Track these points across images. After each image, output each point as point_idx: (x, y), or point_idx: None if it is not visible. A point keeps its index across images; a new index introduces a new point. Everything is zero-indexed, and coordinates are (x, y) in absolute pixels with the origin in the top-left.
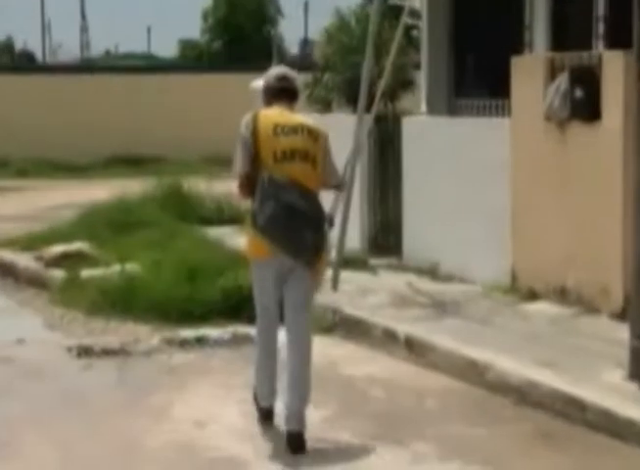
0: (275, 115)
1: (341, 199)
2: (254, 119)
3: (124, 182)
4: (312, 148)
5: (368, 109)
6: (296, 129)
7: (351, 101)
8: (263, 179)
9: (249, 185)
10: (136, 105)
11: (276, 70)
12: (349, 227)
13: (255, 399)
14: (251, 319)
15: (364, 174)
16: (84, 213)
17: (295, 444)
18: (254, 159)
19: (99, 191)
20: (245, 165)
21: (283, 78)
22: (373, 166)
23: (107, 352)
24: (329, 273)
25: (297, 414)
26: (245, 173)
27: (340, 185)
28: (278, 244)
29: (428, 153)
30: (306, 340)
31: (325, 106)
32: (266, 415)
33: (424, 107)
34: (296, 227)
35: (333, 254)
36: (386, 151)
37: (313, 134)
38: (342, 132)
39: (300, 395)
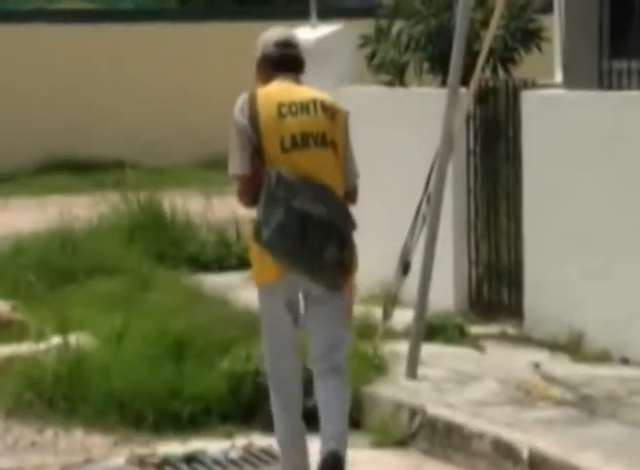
0: (278, 91)
1: (421, 227)
2: (251, 100)
3: (66, 201)
4: (330, 129)
5: (466, 79)
6: (307, 106)
7: (439, 66)
8: (270, 178)
9: (253, 190)
10: (85, 76)
11: (274, 34)
12: (436, 274)
13: None
14: (271, 425)
15: (459, 184)
16: (2, 253)
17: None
18: (258, 152)
19: (25, 216)
20: (244, 164)
21: (285, 44)
22: (474, 171)
23: None
24: (402, 348)
25: (336, 436)
26: (245, 175)
27: (353, 192)
28: (290, 261)
29: (566, 148)
30: (347, 388)
31: (395, 74)
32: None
33: (558, 74)
34: (313, 241)
35: (407, 316)
36: (494, 145)
37: (330, 111)
38: (424, 116)
39: (340, 435)
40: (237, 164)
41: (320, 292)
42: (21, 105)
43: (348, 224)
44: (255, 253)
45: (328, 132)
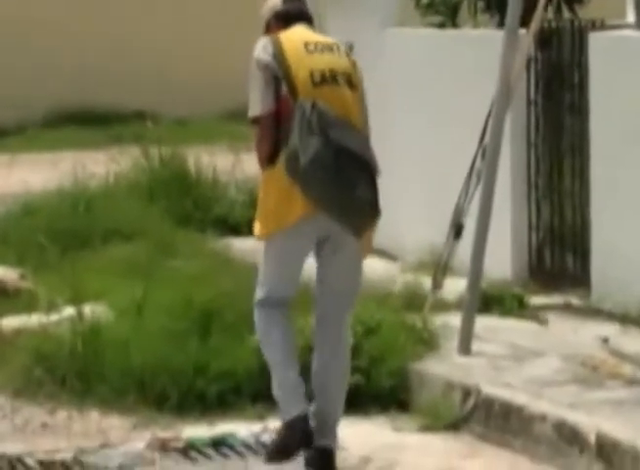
0: (300, 33)
1: (475, 186)
2: (275, 40)
3: (80, 156)
4: (354, 74)
5: (526, 20)
6: (330, 47)
7: (495, 5)
8: (303, 108)
9: (275, 133)
10: (99, 19)
11: None
12: (492, 238)
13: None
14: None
15: (518, 138)
16: (9, 214)
17: (325, 462)
18: (288, 86)
19: (34, 173)
20: (268, 101)
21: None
22: (534, 123)
23: (49, 468)
24: (454, 321)
25: (332, 427)
26: (269, 113)
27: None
28: (322, 195)
29: (639, 98)
30: (349, 344)
31: (447, 14)
32: (302, 426)
33: (630, 13)
34: (347, 175)
35: (460, 285)
36: (558, 94)
37: (350, 57)
38: (479, 62)
39: (336, 407)
40: (259, 103)
41: (340, 238)
42: (28, 51)
43: (376, 167)
44: (278, 191)
45: (353, 76)
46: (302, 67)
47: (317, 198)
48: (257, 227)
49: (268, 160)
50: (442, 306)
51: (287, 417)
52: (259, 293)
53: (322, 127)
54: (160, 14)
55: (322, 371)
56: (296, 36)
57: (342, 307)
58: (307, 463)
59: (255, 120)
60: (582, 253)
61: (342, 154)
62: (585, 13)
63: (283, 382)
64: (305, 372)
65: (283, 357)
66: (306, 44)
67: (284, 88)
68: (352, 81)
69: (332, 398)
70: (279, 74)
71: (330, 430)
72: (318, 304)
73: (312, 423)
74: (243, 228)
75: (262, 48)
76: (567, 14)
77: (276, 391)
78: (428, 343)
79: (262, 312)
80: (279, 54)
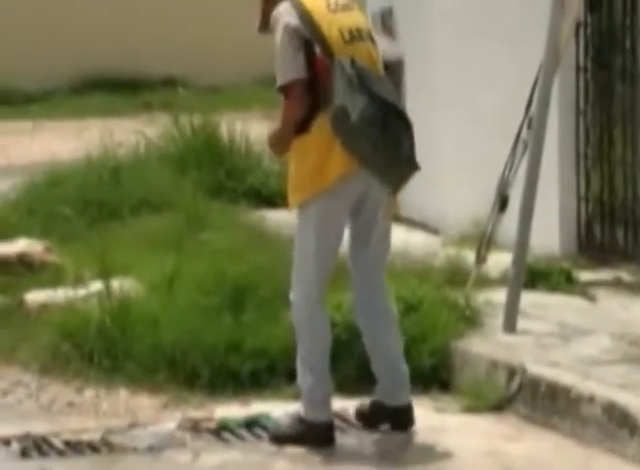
0: None
1: (521, 156)
2: (298, 4)
3: (107, 124)
4: (372, 33)
5: None
6: (349, 6)
7: None
8: (342, 66)
9: (308, 98)
10: None
11: None
12: (539, 210)
13: (306, 422)
14: (346, 385)
15: (566, 105)
16: (34, 184)
17: (410, 417)
18: (322, 45)
19: (60, 141)
20: (300, 66)
21: None
22: (584, 90)
23: (77, 449)
24: (498, 298)
25: (407, 382)
26: (302, 78)
27: None
28: (369, 153)
29: None
30: (395, 313)
31: None
32: (328, 434)
33: None
34: (392, 130)
35: (505, 259)
36: (609, 59)
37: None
38: (524, 24)
39: (404, 368)
40: (291, 69)
41: (377, 196)
42: (52, 15)
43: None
44: (318, 153)
45: (372, 34)
46: (332, 26)
47: (363, 154)
48: (294, 195)
49: (301, 125)
50: (486, 282)
51: (314, 419)
52: (306, 277)
53: (364, 84)
54: None
55: (386, 337)
56: None
57: (382, 269)
58: (389, 420)
59: (285, 88)
60: (634, 226)
61: (387, 109)
62: None
63: (313, 382)
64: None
65: (323, 363)
66: (328, 4)
67: (317, 50)
68: (372, 37)
69: (397, 361)
70: (310, 37)
71: (403, 390)
72: (359, 271)
73: (386, 387)
74: (277, 199)
75: (286, 13)
76: None
77: (307, 386)
78: (471, 320)
79: (308, 308)
80: (306, 16)
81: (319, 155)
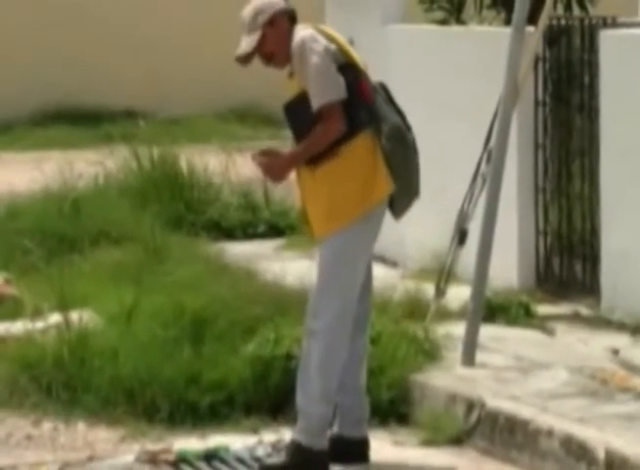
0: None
1: (480, 189)
2: (322, 31)
3: (68, 156)
4: None
5: (534, 17)
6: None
7: (502, 1)
8: (381, 89)
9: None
10: (89, 12)
11: None
12: (498, 244)
13: (303, 449)
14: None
15: (525, 139)
16: None
17: (366, 451)
18: (356, 69)
19: (20, 173)
20: (342, 88)
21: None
22: (542, 124)
23: None
24: (457, 331)
25: (366, 419)
26: (342, 101)
27: None
28: (407, 175)
29: None
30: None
31: (451, 10)
32: (326, 461)
33: None
34: (415, 150)
35: (464, 293)
36: (567, 94)
37: None
38: (485, 60)
39: (366, 400)
40: (333, 90)
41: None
42: (14, 45)
43: None
44: (363, 168)
45: None
46: (353, 53)
47: (407, 173)
48: (333, 221)
49: (329, 149)
50: (445, 315)
51: (314, 446)
52: (336, 304)
53: (396, 108)
54: (150, 12)
55: (360, 366)
56: (325, 28)
57: (370, 296)
58: (347, 455)
59: (325, 108)
60: (592, 260)
61: (407, 128)
62: (596, 10)
63: (326, 410)
64: None
65: (337, 384)
66: (335, 35)
67: (353, 72)
68: None
69: (364, 392)
70: (344, 61)
71: (365, 421)
72: (361, 300)
73: (342, 421)
74: (237, 232)
75: (314, 39)
76: (577, 11)
77: (319, 414)
78: (430, 353)
79: (340, 329)
80: (334, 43)
81: (364, 175)
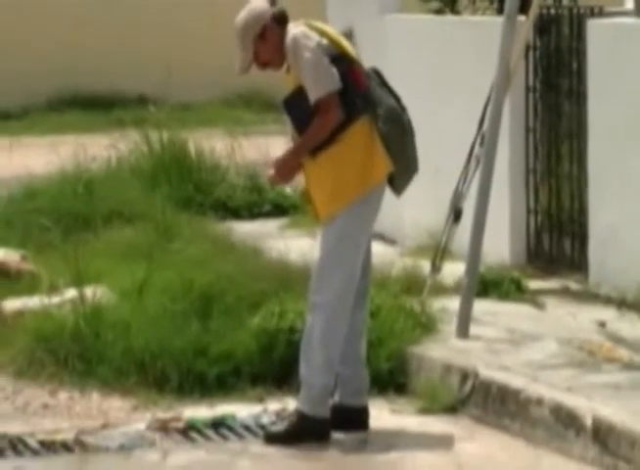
0: (310, 22)
1: (474, 170)
2: (314, 27)
3: (82, 140)
4: None
5: (524, 6)
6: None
7: None
8: (374, 75)
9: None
10: (101, 3)
11: (258, 1)
12: (491, 222)
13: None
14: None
15: (516, 123)
16: (11, 197)
17: (366, 419)
18: (349, 58)
19: (37, 156)
20: (337, 79)
21: (274, 1)
22: (533, 109)
23: (51, 449)
24: (452, 305)
25: (366, 388)
26: (338, 91)
27: None
28: (406, 155)
29: (637, 82)
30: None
31: (446, 2)
32: (327, 429)
33: (629, 0)
34: (411, 130)
35: (458, 269)
36: (556, 80)
37: None
38: (478, 48)
39: (366, 372)
40: (328, 82)
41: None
42: (31, 35)
43: None
44: (363, 151)
45: None
46: (345, 44)
47: (405, 152)
48: (338, 201)
49: (337, 130)
50: (441, 290)
51: (317, 414)
52: (337, 280)
53: (390, 91)
54: (162, 3)
55: (360, 339)
56: (316, 23)
57: (370, 272)
58: (347, 422)
59: (323, 100)
60: (580, 237)
61: (403, 110)
62: (584, 0)
63: (328, 380)
64: None
65: (338, 355)
66: (327, 29)
67: (346, 62)
68: None
69: (364, 363)
70: (336, 53)
71: (365, 391)
72: (361, 277)
73: (343, 390)
74: (243, 212)
75: (306, 35)
76: (566, 1)
77: (322, 383)
78: (426, 326)
79: (341, 303)
80: (326, 36)
81: (363, 158)
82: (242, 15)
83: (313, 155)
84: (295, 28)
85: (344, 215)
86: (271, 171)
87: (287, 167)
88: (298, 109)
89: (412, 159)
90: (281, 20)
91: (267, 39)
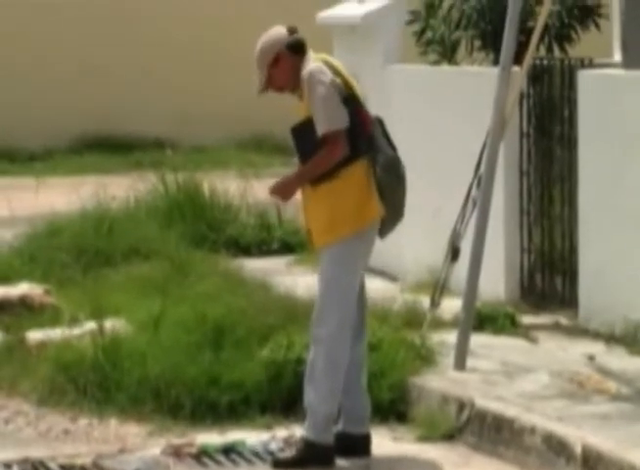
0: (328, 58)
1: (471, 211)
2: (325, 62)
3: (102, 181)
4: None
5: (519, 58)
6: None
7: (491, 44)
8: (378, 122)
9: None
10: (118, 53)
11: (279, 28)
12: (487, 260)
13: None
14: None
15: (511, 167)
16: (34, 235)
17: (368, 446)
18: (358, 103)
19: (59, 196)
20: (345, 118)
21: (294, 30)
22: (527, 154)
23: None
24: (450, 339)
25: (368, 416)
26: (345, 129)
27: None
28: (398, 201)
29: (625, 130)
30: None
31: (445, 52)
32: (331, 456)
33: (617, 53)
34: (404, 181)
35: (456, 304)
36: (548, 127)
37: None
38: (475, 96)
39: (368, 400)
40: (337, 119)
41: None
42: (54, 81)
43: None
44: (359, 191)
45: None
46: (356, 86)
47: (395, 201)
48: (332, 233)
49: (330, 171)
50: (440, 325)
51: (321, 441)
52: (336, 312)
53: (390, 141)
54: (177, 46)
55: (360, 370)
56: (333, 60)
57: (366, 308)
58: (350, 449)
59: (329, 135)
60: (571, 275)
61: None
62: (575, 52)
63: (332, 409)
64: None
65: (341, 384)
66: (341, 68)
67: (356, 104)
68: None
69: (365, 393)
70: (347, 94)
71: (367, 419)
72: (357, 311)
73: (346, 419)
74: (253, 249)
75: (321, 71)
76: (557, 52)
77: (327, 411)
78: (425, 359)
79: (341, 335)
80: (340, 76)
81: (360, 197)
82: (260, 40)
83: (313, 186)
84: (312, 63)
85: (339, 246)
86: (273, 188)
87: (287, 189)
88: (305, 138)
89: (401, 207)
90: (296, 48)
91: (280, 66)
